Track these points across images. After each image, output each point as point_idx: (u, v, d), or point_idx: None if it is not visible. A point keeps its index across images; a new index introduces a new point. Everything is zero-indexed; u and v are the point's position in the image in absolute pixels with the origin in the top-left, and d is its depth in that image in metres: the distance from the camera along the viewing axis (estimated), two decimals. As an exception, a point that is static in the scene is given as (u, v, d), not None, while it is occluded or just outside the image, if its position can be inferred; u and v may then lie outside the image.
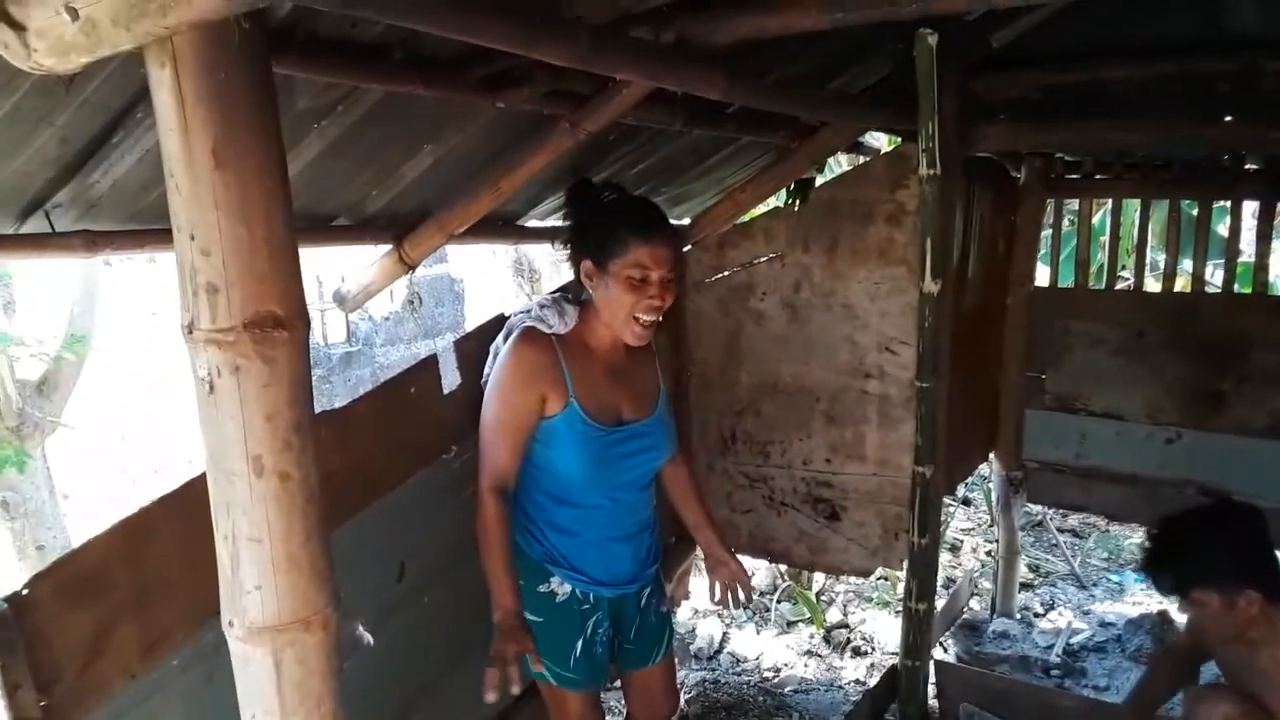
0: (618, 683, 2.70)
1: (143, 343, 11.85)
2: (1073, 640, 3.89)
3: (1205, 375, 3.36)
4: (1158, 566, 2.20)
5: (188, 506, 1.47)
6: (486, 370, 2.18)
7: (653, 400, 2.18)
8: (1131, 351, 3.50)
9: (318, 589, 1.02)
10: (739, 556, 4.13)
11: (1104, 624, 4.05)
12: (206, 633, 1.60)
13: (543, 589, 2.12)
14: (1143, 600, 4.24)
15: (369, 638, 2.11)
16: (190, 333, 0.93)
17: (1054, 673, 3.65)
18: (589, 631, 2.16)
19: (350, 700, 2.08)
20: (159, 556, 1.54)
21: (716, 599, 2.47)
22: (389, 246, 2.10)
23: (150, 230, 1.68)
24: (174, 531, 1.54)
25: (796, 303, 3.04)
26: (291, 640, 1.01)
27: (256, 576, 0.97)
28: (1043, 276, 3.84)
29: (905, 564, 3.07)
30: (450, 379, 2.29)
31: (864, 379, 3.02)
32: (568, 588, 2.13)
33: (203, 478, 1.00)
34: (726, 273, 3.14)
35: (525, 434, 2.03)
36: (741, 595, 2.45)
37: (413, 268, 2.06)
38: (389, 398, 2.14)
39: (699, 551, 2.55)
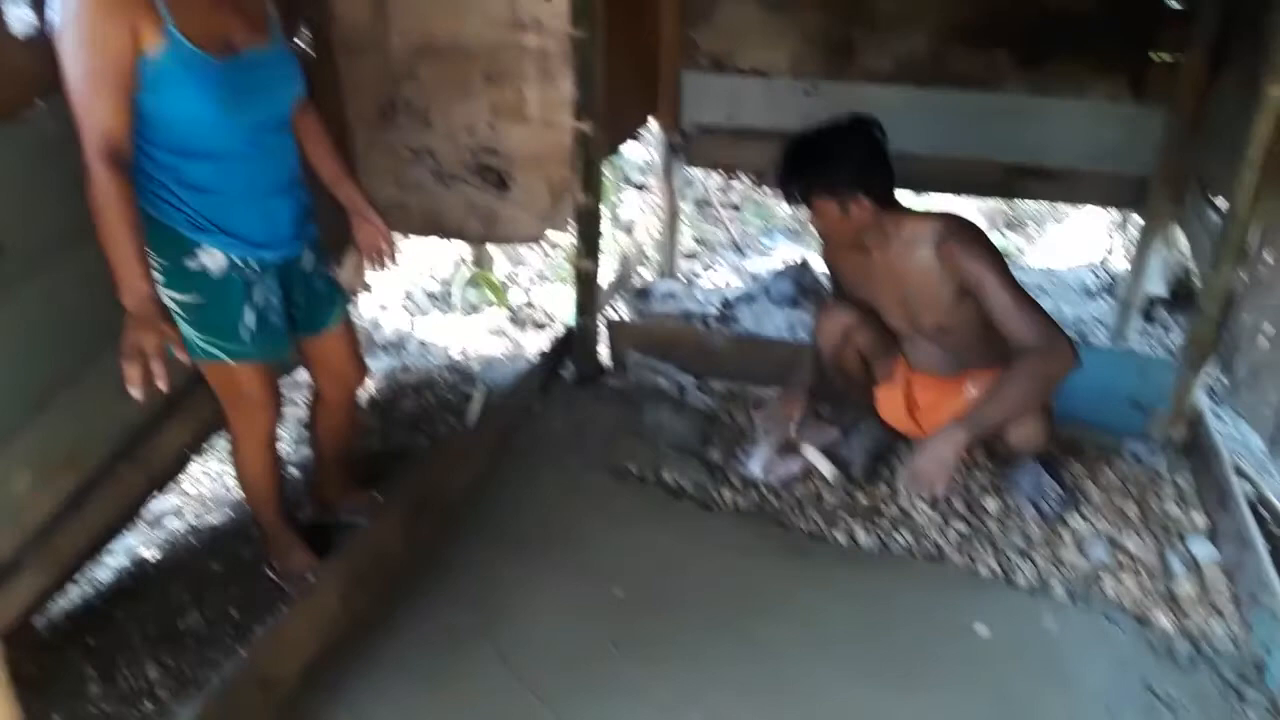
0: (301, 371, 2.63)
1: None
2: (728, 294, 4.27)
3: (838, 24, 3.55)
4: (785, 176, 2.35)
5: None
6: (51, 13, 1.81)
7: (265, 26, 1.95)
8: (774, 4, 3.60)
9: None
10: (411, 238, 4.07)
11: (755, 279, 4.46)
12: None
13: (191, 265, 1.93)
14: (788, 256, 4.70)
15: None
16: None
17: (712, 322, 4.01)
18: (259, 301, 2.03)
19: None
20: None
21: (366, 262, 2.40)
22: None
23: None
24: None
25: (443, -56, 2.80)
26: None
27: None
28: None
29: (572, 225, 3.16)
30: (21, 19, 1.93)
31: (520, 32, 2.90)
32: (221, 258, 1.95)
33: None
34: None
35: (126, 81, 1.73)
36: (387, 256, 2.39)
37: None
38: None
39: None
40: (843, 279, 2.60)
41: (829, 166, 2.25)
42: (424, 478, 2.49)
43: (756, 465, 2.65)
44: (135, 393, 1.73)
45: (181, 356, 1.82)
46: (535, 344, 4.00)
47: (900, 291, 2.40)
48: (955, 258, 2.25)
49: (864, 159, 2.26)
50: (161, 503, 2.79)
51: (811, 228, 2.53)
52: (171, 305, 1.95)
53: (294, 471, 2.92)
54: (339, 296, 2.32)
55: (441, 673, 1.99)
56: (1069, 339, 2.17)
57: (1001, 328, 2.21)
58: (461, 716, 1.88)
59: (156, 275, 1.90)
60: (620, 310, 4.12)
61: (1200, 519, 2.47)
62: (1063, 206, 5.40)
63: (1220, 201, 2.81)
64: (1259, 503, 2.67)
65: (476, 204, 3.37)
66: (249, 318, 2.03)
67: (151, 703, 2.08)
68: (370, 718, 1.86)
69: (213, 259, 1.95)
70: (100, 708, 2.07)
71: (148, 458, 2.44)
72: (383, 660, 2.01)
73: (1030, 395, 2.18)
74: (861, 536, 2.43)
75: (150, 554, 2.57)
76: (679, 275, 4.41)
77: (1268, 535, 2.44)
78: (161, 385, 1.75)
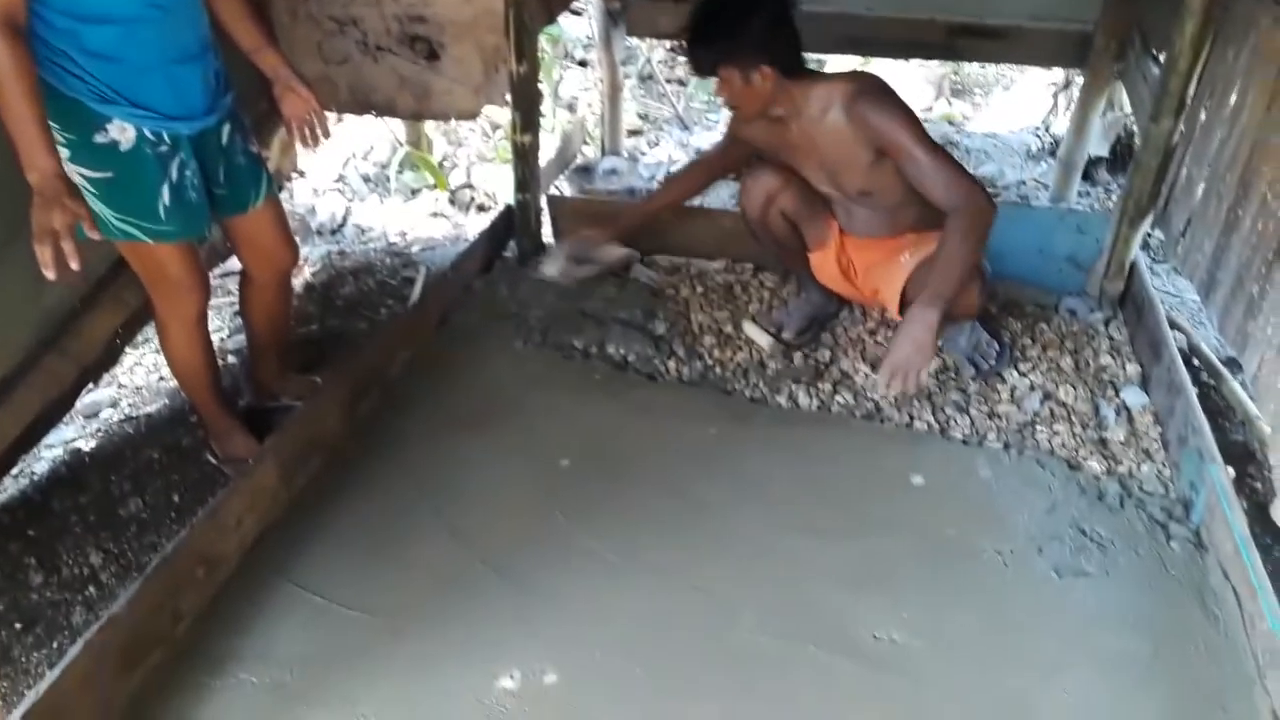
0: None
1: None
2: (672, 169, 4.19)
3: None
4: (690, 48, 2.31)
5: None
6: None
7: None
8: None
9: None
10: (342, 118, 3.92)
11: (699, 151, 4.38)
12: None
13: (100, 140, 1.84)
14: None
15: None
16: None
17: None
18: (174, 176, 1.95)
19: None
20: None
21: (295, 137, 2.30)
22: None
23: None
24: None
25: None
26: None
27: None
28: None
29: (508, 98, 3.05)
30: None
31: (441, -118, 2.74)
32: (131, 131, 1.86)
33: None
34: None
35: None
36: (318, 128, 2.28)
37: None
38: None
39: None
40: (768, 154, 2.56)
41: (731, 35, 2.20)
42: (364, 357, 2.45)
43: (551, 268, 2.82)
44: (49, 274, 1.67)
45: (93, 234, 1.74)
46: (476, 226, 3.92)
47: (819, 158, 2.39)
48: (865, 118, 2.22)
49: (767, 25, 2.20)
50: (97, 395, 2.74)
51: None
52: (83, 183, 1.87)
53: (232, 359, 2.87)
54: (263, 173, 2.23)
55: (387, 544, 1.99)
56: (982, 187, 2.20)
57: (918, 187, 2.22)
58: (409, 585, 1.88)
59: (64, 151, 1.81)
60: (562, 187, 4.04)
61: (1133, 369, 2.52)
62: (1009, 74, 5.35)
63: (1163, 57, 2.78)
64: (1191, 352, 2.73)
65: (407, 77, 3.24)
66: (165, 194, 1.95)
67: (95, 588, 2.07)
68: (316, 590, 1.87)
69: (122, 133, 1.87)
70: (43, 595, 2.05)
71: (75, 347, 2.38)
72: (326, 535, 2.01)
73: (971, 252, 2.16)
74: (803, 399, 2.45)
75: (87, 445, 2.53)
76: (622, 152, 4.31)
77: (1198, 383, 2.50)
78: (74, 265, 1.69)
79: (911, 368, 2.12)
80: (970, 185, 2.16)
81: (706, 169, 2.88)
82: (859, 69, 2.40)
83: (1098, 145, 3.90)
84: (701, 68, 2.32)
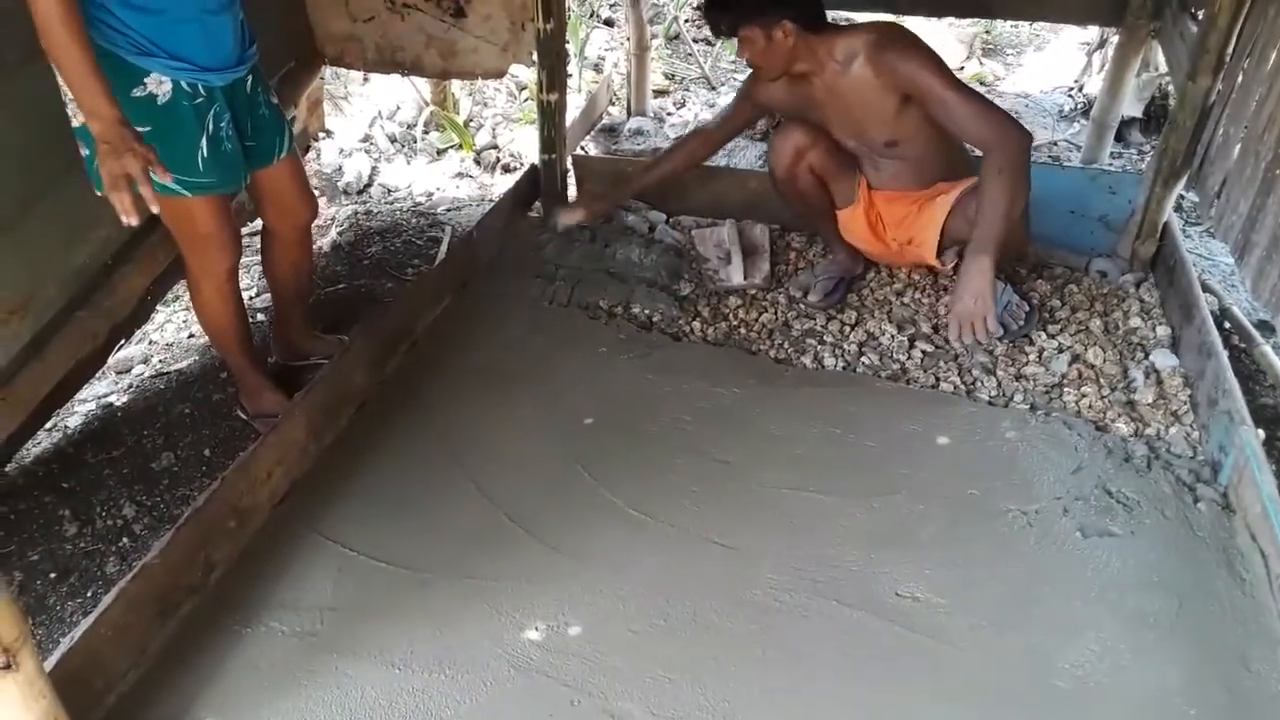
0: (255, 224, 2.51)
1: None
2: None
3: None
4: (709, 9, 2.30)
5: None
6: None
7: None
8: None
9: None
10: (369, 76, 3.89)
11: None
12: None
13: (139, 93, 1.86)
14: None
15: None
16: None
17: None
18: (211, 128, 1.97)
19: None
20: None
21: None
22: None
23: None
24: None
25: None
26: None
27: None
28: None
29: (535, 57, 3.03)
30: None
31: None
32: (168, 84, 1.88)
33: None
34: None
35: None
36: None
37: None
38: None
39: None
40: (789, 113, 2.56)
41: None
42: (391, 316, 2.47)
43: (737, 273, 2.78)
44: (131, 220, 1.70)
45: (164, 178, 1.76)
46: (500, 185, 3.92)
47: (845, 112, 2.38)
48: (892, 66, 2.23)
49: None
50: (129, 351, 2.78)
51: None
52: None
53: (260, 318, 2.90)
54: (285, 124, 2.25)
55: (414, 499, 2.02)
56: (1014, 120, 2.22)
57: (950, 127, 2.24)
58: (435, 538, 1.91)
59: None
60: (588, 148, 4.02)
61: (1163, 331, 2.48)
62: (1042, 33, 5.24)
63: (1201, 15, 2.71)
64: (1222, 315, 2.69)
65: (434, 35, 3.23)
66: (203, 146, 1.97)
67: (129, 539, 2.11)
68: (345, 543, 1.90)
69: (160, 85, 1.89)
70: (77, 546, 2.10)
71: (107, 304, 2.40)
72: (355, 489, 2.04)
73: (1013, 188, 2.16)
74: (828, 360, 2.45)
75: (120, 400, 2.57)
76: (649, 112, 4.28)
77: (1229, 347, 2.47)
78: (154, 208, 1.72)
79: (976, 316, 2.13)
80: (1001, 119, 2.19)
81: (706, 140, 2.79)
82: (878, 22, 2.37)
83: (1131, 106, 3.82)
84: (722, 29, 2.31)
